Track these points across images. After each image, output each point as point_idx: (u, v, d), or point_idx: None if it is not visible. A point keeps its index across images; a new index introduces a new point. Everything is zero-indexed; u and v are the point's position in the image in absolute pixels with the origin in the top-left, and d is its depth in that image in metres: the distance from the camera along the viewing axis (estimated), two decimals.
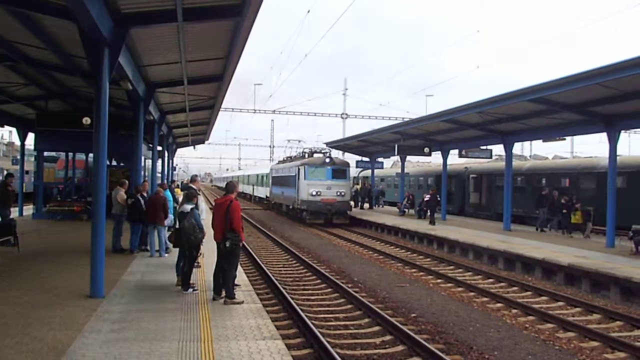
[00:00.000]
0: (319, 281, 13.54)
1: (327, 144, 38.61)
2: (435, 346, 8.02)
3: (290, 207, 31.43)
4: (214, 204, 9.13)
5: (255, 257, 16.16)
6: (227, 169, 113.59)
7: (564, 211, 20.54)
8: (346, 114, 49.61)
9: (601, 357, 8.10)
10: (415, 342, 8.09)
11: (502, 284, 13.69)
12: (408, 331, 8.58)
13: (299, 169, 29.23)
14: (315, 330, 8.33)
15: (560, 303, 11.69)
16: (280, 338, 6.92)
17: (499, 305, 11.35)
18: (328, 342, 7.89)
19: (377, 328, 9.26)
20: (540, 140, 23.46)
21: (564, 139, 22.94)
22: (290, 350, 7.33)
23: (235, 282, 8.91)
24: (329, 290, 12.47)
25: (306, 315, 9.37)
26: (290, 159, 35.76)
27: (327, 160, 29.16)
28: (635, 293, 11.77)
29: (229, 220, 8.32)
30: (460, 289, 12.98)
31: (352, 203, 30.48)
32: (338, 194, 28.30)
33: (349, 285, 12.73)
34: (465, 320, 9.95)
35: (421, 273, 15.03)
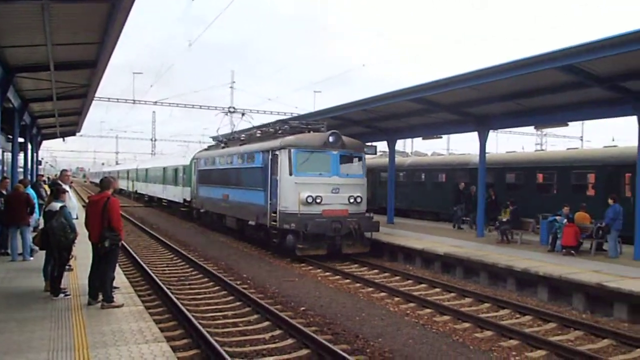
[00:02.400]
0: (206, 279, 13.32)
1: (214, 138, 37.75)
2: (323, 337, 8.28)
3: (254, 223, 18.05)
4: (87, 201, 8.61)
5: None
6: (103, 163, 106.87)
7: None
8: (233, 108, 48.76)
9: (472, 336, 8.92)
10: (304, 335, 8.30)
11: (386, 274, 14.46)
12: (297, 324, 8.79)
13: (274, 156, 16.74)
14: (203, 330, 8.21)
15: (438, 289, 12.64)
16: (165, 340, 6.74)
17: (383, 294, 12.01)
18: (216, 341, 7.83)
19: (266, 323, 9.34)
20: (421, 138, 25.10)
21: (441, 137, 24.75)
22: (176, 352, 7.18)
23: (114, 284, 8.49)
24: (217, 288, 12.33)
25: (192, 315, 9.19)
26: (238, 140, 22.69)
27: (332, 139, 16.68)
28: (501, 277, 13.10)
29: (106, 219, 7.94)
30: (347, 280, 13.50)
31: (372, 215, 17.81)
32: (351, 200, 16.52)
33: (238, 282, 12.69)
34: (352, 311, 10.40)
35: (309, 267, 15.38)
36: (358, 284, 13.05)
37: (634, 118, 13.49)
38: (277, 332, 8.85)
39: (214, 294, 11.81)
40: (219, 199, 22.60)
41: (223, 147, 23.81)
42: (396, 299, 11.59)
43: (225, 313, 10.15)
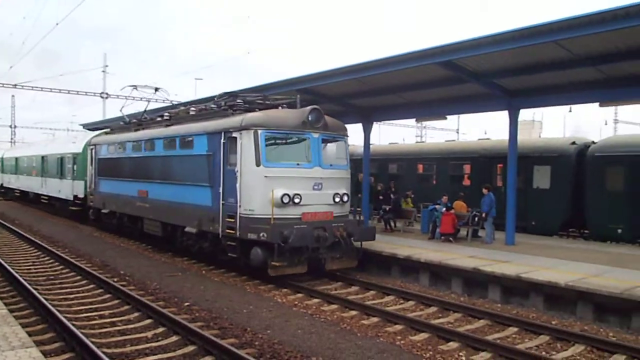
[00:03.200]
0: (78, 278, 12.58)
1: (84, 125, 35.39)
2: (210, 332, 8.23)
3: (194, 230, 13.96)
4: None
5: None
6: None
7: (381, 197, 19.70)
8: (107, 94, 45.94)
9: (359, 323, 9.34)
10: (189, 331, 8.17)
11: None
12: (181, 320, 8.62)
13: (230, 140, 12.74)
14: (77, 332, 7.77)
15: (325, 279, 13.03)
16: (35, 345, 6.30)
17: (270, 286, 12.13)
18: (93, 342, 7.44)
19: (148, 321, 9.07)
20: None
21: None
22: (48, 357, 6.77)
23: None
24: (92, 286, 11.70)
25: (64, 317, 8.64)
26: (160, 120, 17.85)
27: (312, 117, 12.85)
28: (386, 265, 13.84)
29: None
30: (232, 273, 13.44)
31: (362, 218, 14.95)
32: (336, 199, 12.96)
33: (115, 279, 12.14)
34: (239, 304, 10.39)
35: (193, 261, 15.08)
36: (244, 277, 13.06)
37: (506, 112, 14.93)
38: (160, 329, 8.63)
39: (88, 293, 11.19)
40: (132, 197, 17.82)
41: (136, 130, 18.60)
42: (284, 290, 11.79)
43: (102, 312, 9.67)
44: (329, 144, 13.53)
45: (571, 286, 9.98)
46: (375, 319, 9.63)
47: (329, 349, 7.92)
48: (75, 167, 24.71)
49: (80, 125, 36.81)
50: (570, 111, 44.51)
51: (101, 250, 16.61)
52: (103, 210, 20.61)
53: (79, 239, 19.08)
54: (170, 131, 15.86)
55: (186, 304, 10.34)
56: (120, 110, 22.29)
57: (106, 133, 22.46)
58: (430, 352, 7.85)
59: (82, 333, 7.79)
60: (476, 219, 15.82)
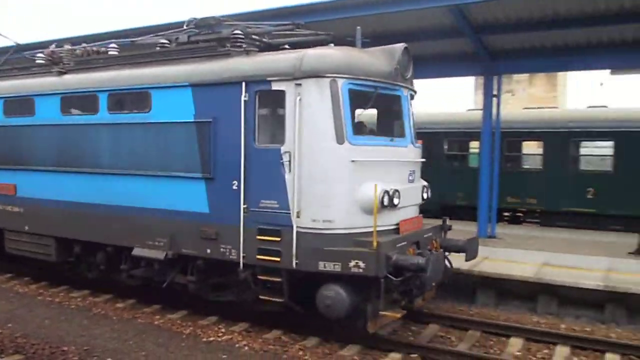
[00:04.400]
0: None
1: None
2: None
3: (163, 255, 8.47)
4: None
5: None
6: None
7: None
8: None
9: (114, 307, 9.36)
10: None
11: None
12: None
13: (264, 96, 7.67)
14: None
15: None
16: None
17: (8, 276, 11.35)
18: None
19: None
20: None
21: None
22: None
23: None
24: None
25: None
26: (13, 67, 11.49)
27: (405, 61, 8.02)
28: None
29: None
30: None
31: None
32: (425, 195, 8.70)
33: None
34: None
35: None
36: None
37: None
38: None
39: None
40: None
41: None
42: (25, 278, 11.12)
43: None
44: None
45: None
46: (131, 301, 9.67)
47: (81, 336, 7.85)
48: None
49: None
50: None
51: None
52: None
53: None
54: (78, 82, 9.68)
55: None
56: None
57: None
58: (191, 328, 8.35)
59: None
60: None
